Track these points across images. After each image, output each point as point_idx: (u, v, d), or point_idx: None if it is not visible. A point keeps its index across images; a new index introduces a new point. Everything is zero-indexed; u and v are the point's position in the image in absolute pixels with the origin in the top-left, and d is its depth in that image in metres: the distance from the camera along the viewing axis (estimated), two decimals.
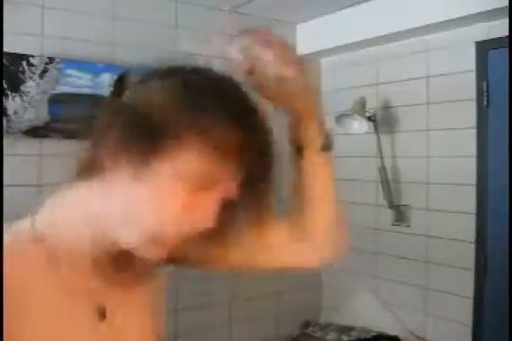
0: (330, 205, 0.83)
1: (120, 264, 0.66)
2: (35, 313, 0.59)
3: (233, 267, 0.82)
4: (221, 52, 0.70)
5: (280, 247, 0.80)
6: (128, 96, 0.61)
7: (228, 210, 0.63)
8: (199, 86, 0.61)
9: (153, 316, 0.75)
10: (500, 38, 2.11)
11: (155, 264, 0.71)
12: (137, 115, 0.58)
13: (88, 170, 0.63)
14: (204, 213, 0.61)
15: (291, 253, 0.82)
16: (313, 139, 0.78)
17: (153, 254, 0.63)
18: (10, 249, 0.59)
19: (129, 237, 0.61)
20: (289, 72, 0.71)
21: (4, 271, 0.57)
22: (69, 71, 2.18)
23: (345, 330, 2.71)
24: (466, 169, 2.31)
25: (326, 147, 0.79)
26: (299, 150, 0.79)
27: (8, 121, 2.05)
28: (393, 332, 2.54)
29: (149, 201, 0.59)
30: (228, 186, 0.61)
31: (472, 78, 2.28)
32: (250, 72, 0.71)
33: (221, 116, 0.58)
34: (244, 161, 0.59)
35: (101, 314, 0.65)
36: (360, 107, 2.56)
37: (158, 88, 0.61)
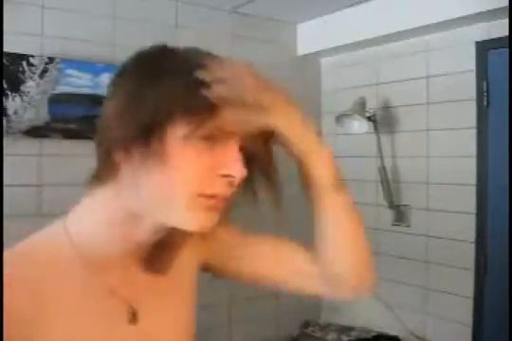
0: (353, 251, 0.75)
1: (152, 265, 0.66)
2: (66, 314, 0.59)
3: (265, 282, 0.81)
4: None
5: (308, 274, 0.79)
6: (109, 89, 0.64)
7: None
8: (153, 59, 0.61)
9: (187, 321, 0.74)
10: (500, 38, 2.11)
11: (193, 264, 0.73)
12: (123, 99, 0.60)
13: (104, 168, 0.63)
14: (229, 161, 0.59)
15: (320, 282, 0.78)
16: (318, 177, 0.69)
17: (200, 222, 0.60)
18: (45, 253, 0.60)
19: (171, 213, 0.60)
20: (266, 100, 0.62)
21: (38, 273, 0.58)
22: (69, 71, 2.18)
23: (345, 330, 2.71)
24: (467, 169, 2.31)
25: (335, 185, 0.69)
26: (307, 190, 0.71)
27: (8, 121, 2.05)
28: (393, 332, 2.55)
29: (172, 169, 0.58)
30: (240, 139, 0.60)
31: (472, 78, 2.28)
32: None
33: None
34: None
35: (133, 318, 0.65)
36: (360, 107, 2.56)
37: (125, 72, 0.63)
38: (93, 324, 0.61)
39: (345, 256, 0.75)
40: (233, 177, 0.59)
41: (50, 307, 0.58)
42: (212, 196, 0.59)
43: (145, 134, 0.57)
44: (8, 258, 0.58)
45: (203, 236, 0.74)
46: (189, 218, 0.60)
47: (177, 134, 0.57)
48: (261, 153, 0.64)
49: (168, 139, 0.57)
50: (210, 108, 0.57)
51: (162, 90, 0.57)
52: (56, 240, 0.63)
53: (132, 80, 0.61)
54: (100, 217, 0.64)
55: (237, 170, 0.59)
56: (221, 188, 0.59)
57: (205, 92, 0.57)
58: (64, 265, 0.61)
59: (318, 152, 0.67)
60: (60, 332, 0.58)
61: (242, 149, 0.61)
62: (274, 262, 0.80)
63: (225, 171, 0.59)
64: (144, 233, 0.64)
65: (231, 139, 0.60)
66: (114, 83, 0.64)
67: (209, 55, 0.62)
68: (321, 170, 0.68)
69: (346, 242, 0.74)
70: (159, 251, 0.67)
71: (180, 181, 0.58)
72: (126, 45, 2.34)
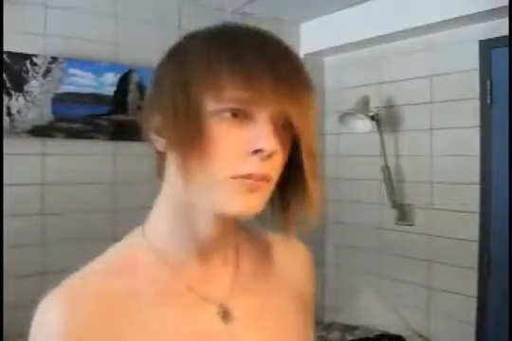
0: None
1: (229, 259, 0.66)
2: (156, 314, 0.59)
3: None
4: None
5: None
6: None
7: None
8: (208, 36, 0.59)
9: (297, 330, 0.69)
10: (503, 37, 2.10)
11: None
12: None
13: (157, 162, 0.64)
14: (258, 135, 0.55)
15: None
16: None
17: (243, 205, 0.56)
18: (129, 261, 0.62)
19: (213, 198, 0.57)
20: None
21: (127, 281, 0.59)
22: (72, 70, 2.18)
23: (349, 329, 2.71)
24: (470, 168, 2.30)
25: None
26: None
27: (11, 121, 2.05)
28: (396, 332, 2.54)
29: (204, 150, 0.55)
30: (269, 114, 0.56)
31: (476, 76, 2.27)
32: None
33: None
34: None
35: (225, 316, 0.63)
36: (363, 106, 2.56)
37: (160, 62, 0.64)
38: (182, 323, 0.60)
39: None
40: (264, 151, 0.54)
41: (142, 309, 0.58)
42: (247, 176, 0.55)
43: (180, 115, 0.55)
44: (97, 268, 0.61)
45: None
46: (230, 202, 0.56)
47: (208, 112, 0.55)
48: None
49: (201, 119, 0.55)
50: (234, 83, 0.54)
51: (186, 70, 0.57)
52: (135, 245, 0.64)
53: (162, 66, 0.62)
54: (165, 214, 0.63)
55: (267, 142, 0.54)
56: (254, 166, 0.55)
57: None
58: (146, 270, 0.61)
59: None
60: (152, 330, 0.58)
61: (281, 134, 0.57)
62: None
63: (255, 147, 0.54)
64: (206, 225, 0.61)
65: (262, 114, 0.55)
66: (153, 73, 0.65)
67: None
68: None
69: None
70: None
71: (211, 163, 0.55)
72: (129, 45, 2.35)
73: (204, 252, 0.63)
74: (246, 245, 0.70)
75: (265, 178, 0.56)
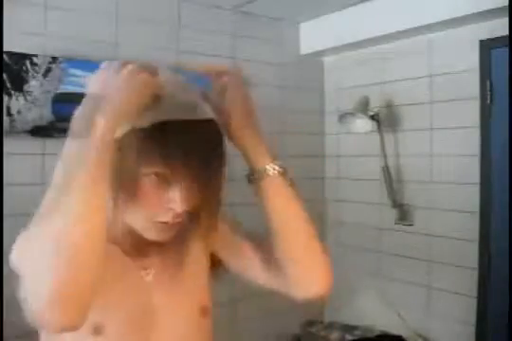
0: (293, 235, 0.82)
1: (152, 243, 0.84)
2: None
3: (242, 276, 0.94)
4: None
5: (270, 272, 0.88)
6: None
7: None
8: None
9: (198, 293, 0.90)
10: (503, 36, 2.10)
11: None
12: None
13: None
14: (173, 197, 0.76)
15: (276, 282, 0.89)
16: (255, 162, 0.81)
17: (158, 236, 0.81)
18: None
19: (141, 229, 0.80)
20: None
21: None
22: (73, 70, 2.18)
23: (348, 329, 2.71)
24: (470, 167, 2.30)
25: (269, 173, 0.81)
26: (249, 176, 0.82)
27: (11, 121, 2.05)
28: (396, 332, 2.54)
29: (136, 201, 0.77)
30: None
31: (476, 76, 2.27)
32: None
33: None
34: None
35: (146, 275, 0.85)
36: (363, 106, 2.56)
37: None
38: (120, 281, 0.81)
39: (296, 257, 0.82)
40: (175, 210, 0.76)
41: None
42: (165, 223, 0.78)
43: (123, 175, 0.75)
44: None
45: (209, 229, 0.87)
46: (150, 233, 0.80)
47: (142, 172, 0.74)
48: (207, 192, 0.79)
49: (136, 178, 0.75)
50: (158, 161, 0.74)
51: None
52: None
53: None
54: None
55: (177, 205, 0.75)
56: (169, 218, 0.77)
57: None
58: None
59: (256, 145, 0.81)
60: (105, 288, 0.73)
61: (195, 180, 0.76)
62: (246, 261, 0.92)
63: (170, 205, 0.76)
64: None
65: (179, 177, 0.75)
66: None
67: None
68: (262, 161, 0.81)
69: (291, 233, 0.82)
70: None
71: (139, 208, 0.77)
72: (129, 45, 2.35)
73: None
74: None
75: (177, 223, 0.79)
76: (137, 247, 0.84)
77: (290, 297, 0.88)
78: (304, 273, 0.83)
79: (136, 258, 0.85)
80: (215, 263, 0.94)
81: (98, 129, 0.69)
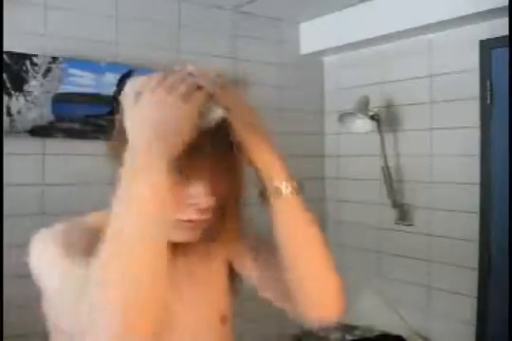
0: (305, 265, 0.77)
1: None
2: None
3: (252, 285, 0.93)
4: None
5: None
6: None
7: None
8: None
9: (219, 303, 0.89)
10: (504, 36, 2.10)
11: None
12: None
13: None
14: (195, 192, 0.72)
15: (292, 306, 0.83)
16: (270, 180, 0.75)
17: (184, 238, 0.77)
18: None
19: (172, 231, 0.74)
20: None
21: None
22: (72, 70, 2.18)
23: (349, 329, 2.71)
24: (470, 167, 2.30)
25: (283, 192, 0.75)
26: (262, 194, 0.77)
27: (11, 121, 2.05)
28: (396, 332, 2.54)
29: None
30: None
31: (476, 76, 2.27)
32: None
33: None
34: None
35: None
36: (363, 106, 2.56)
37: None
38: None
39: (306, 289, 0.78)
40: (198, 205, 0.73)
41: None
42: (188, 221, 0.74)
43: None
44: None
45: (228, 238, 0.84)
46: (175, 234, 0.75)
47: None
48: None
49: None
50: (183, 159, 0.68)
51: None
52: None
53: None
54: None
55: (203, 201, 0.72)
56: (192, 215, 0.74)
57: None
58: None
59: (271, 161, 0.76)
60: None
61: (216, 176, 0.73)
62: (262, 280, 0.90)
63: (192, 201, 0.73)
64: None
65: (200, 173, 0.72)
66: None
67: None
68: (275, 178, 0.76)
69: (308, 274, 0.77)
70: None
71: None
72: (129, 45, 2.35)
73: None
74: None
75: (203, 221, 0.75)
76: None
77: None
78: (315, 305, 0.79)
79: None
80: (232, 274, 0.92)
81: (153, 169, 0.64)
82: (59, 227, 0.76)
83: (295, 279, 0.78)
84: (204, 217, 0.74)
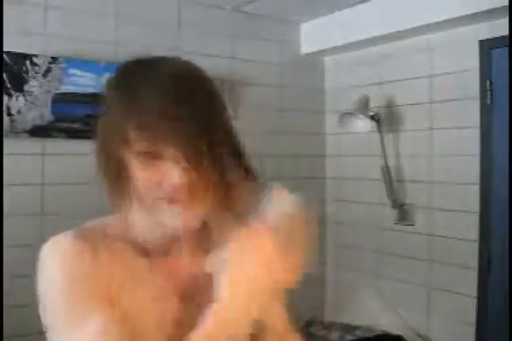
0: None
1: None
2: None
3: None
4: None
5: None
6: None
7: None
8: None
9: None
10: (503, 36, 2.10)
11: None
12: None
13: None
14: (167, 170, 0.70)
15: None
16: None
17: (172, 219, 0.72)
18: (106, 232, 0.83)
19: (161, 216, 0.74)
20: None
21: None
22: (72, 70, 2.19)
23: (349, 329, 2.71)
24: (470, 167, 2.30)
25: None
26: None
27: (11, 121, 2.05)
28: (396, 332, 2.54)
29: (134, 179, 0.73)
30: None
31: (476, 76, 2.27)
32: None
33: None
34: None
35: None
36: (363, 106, 2.56)
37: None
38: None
39: None
40: (171, 180, 0.69)
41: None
42: (170, 200, 0.71)
43: (109, 157, 0.74)
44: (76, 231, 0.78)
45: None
46: (164, 217, 0.73)
47: (128, 154, 0.71)
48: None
49: (123, 159, 0.72)
50: (140, 137, 0.68)
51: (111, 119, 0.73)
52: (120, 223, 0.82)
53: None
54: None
55: (173, 175, 0.69)
56: (168, 191, 0.70)
57: None
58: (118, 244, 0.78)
59: None
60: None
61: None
62: None
63: (163, 179, 0.70)
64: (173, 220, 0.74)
65: (168, 153, 0.69)
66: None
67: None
68: None
69: None
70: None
71: (138, 189, 0.72)
72: (129, 45, 2.35)
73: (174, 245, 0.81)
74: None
75: (186, 201, 0.71)
76: (166, 245, 0.80)
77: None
78: None
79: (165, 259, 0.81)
80: None
81: None
82: (70, 240, 0.75)
83: None
84: (182, 195, 0.70)
